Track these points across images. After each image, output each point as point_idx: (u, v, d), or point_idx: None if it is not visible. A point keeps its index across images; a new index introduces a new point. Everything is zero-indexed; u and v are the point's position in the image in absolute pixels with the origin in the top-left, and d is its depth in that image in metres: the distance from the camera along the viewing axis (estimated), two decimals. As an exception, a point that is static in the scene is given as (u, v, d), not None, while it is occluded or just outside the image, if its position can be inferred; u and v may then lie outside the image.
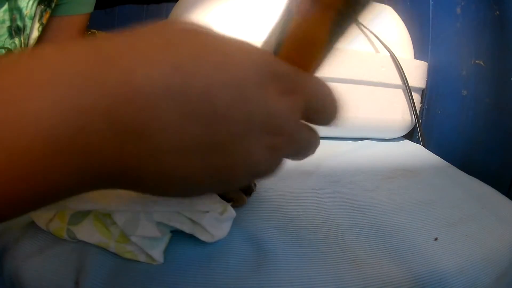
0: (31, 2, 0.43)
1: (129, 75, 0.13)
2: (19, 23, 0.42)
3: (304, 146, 0.20)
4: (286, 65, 0.18)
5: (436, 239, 0.32)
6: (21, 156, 0.12)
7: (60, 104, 0.12)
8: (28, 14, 0.43)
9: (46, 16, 0.48)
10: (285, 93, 0.17)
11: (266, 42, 0.21)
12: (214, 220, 0.27)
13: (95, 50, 0.14)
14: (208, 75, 0.14)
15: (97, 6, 0.62)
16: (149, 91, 0.13)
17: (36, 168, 0.12)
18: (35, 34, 0.46)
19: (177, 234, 0.27)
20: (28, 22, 0.44)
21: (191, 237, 0.27)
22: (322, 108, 0.20)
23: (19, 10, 0.42)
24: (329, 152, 0.56)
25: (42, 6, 0.46)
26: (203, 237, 0.27)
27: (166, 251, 0.26)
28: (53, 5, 0.48)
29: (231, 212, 0.28)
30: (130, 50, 0.14)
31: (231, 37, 0.16)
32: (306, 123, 0.20)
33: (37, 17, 0.46)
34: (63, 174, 0.13)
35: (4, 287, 0.26)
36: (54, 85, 0.12)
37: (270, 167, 0.18)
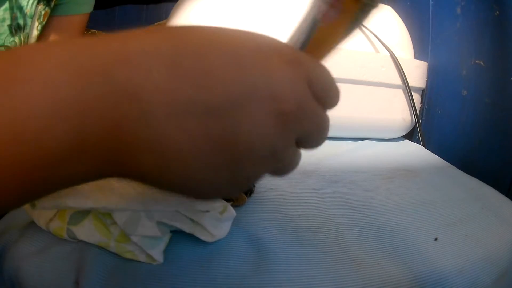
0: (31, 1, 0.43)
1: (123, 45, 0.14)
2: (19, 21, 0.43)
3: (315, 122, 0.17)
4: (286, 45, 0.17)
5: (436, 239, 0.32)
6: (27, 121, 0.12)
7: (63, 68, 0.13)
8: (28, 13, 0.44)
9: (45, 15, 0.48)
10: (289, 62, 0.16)
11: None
12: (214, 219, 0.27)
13: (93, 39, 0.15)
14: (201, 41, 0.15)
15: (97, 6, 0.62)
16: (141, 52, 0.14)
17: (40, 134, 0.12)
18: (34, 33, 0.46)
19: (177, 234, 0.27)
20: (28, 21, 0.44)
21: (191, 237, 0.27)
22: (324, 89, 0.18)
23: (20, 9, 0.42)
24: (329, 152, 0.56)
25: (42, 5, 0.46)
26: (203, 236, 0.27)
27: (166, 251, 0.26)
28: (52, 4, 0.48)
29: (231, 211, 0.28)
30: (125, 34, 0.15)
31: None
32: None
33: (37, 16, 0.46)
34: (63, 141, 0.13)
35: (4, 287, 0.26)
36: (58, 54, 0.13)
37: (282, 142, 0.16)
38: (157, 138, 0.14)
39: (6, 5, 0.40)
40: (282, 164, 0.18)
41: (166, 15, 0.67)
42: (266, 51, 0.16)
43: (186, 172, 0.15)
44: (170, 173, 0.15)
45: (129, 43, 0.14)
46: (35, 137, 0.12)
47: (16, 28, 0.43)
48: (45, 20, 0.49)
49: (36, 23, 0.47)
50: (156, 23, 0.95)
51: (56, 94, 0.13)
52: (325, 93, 0.18)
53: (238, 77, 0.15)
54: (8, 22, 0.41)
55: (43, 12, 0.47)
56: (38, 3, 0.45)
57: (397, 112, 0.65)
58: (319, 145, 0.20)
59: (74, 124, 0.13)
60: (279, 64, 0.16)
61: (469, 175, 0.51)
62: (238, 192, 0.21)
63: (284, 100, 0.15)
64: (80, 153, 0.14)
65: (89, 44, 0.14)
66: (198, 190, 0.17)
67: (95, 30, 0.78)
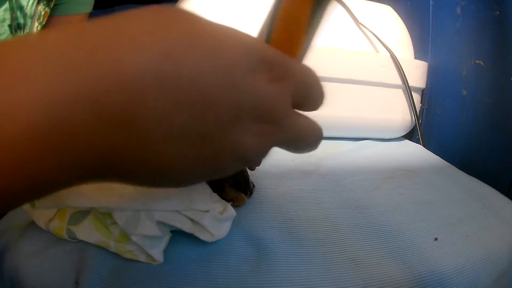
0: (31, 1, 0.43)
1: (116, 63, 0.13)
2: (19, 21, 0.43)
3: (297, 134, 0.19)
4: (276, 51, 0.17)
5: (436, 239, 0.32)
6: (6, 150, 0.11)
7: (43, 95, 0.12)
8: (28, 13, 0.44)
9: (45, 15, 0.48)
10: (274, 79, 0.17)
11: (260, 32, 0.21)
12: (214, 219, 0.27)
13: (80, 36, 0.13)
14: (198, 63, 0.14)
15: (97, 6, 0.62)
16: (137, 79, 0.13)
17: (22, 161, 0.12)
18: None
19: (177, 234, 0.27)
20: (28, 21, 0.44)
21: (191, 237, 0.27)
22: (310, 94, 0.19)
23: (20, 9, 0.42)
24: (329, 152, 0.56)
25: (42, 6, 0.46)
26: (203, 236, 0.27)
27: (166, 251, 0.26)
28: (52, 4, 0.48)
29: (231, 211, 0.28)
30: (117, 35, 0.13)
31: (221, 24, 0.16)
32: (302, 113, 0.20)
33: (37, 16, 0.46)
34: (50, 166, 0.13)
35: (4, 287, 0.26)
36: (37, 75, 0.12)
37: (258, 154, 0.18)
38: (151, 158, 0.14)
39: (6, 5, 0.40)
40: (254, 164, 0.20)
41: (166, 15, 0.67)
42: (254, 67, 0.16)
43: (174, 180, 0.17)
44: (160, 182, 0.16)
45: (124, 61, 0.13)
46: (26, 162, 0.12)
47: (16, 28, 0.43)
48: (45, 20, 0.49)
49: (36, 23, 0.47)
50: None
51: (41, 127, 0.12)
52: (307, 100, 0.19)
53: (230, 103, 0.15)
54: (8, 22, 0.41)
55: (43, 12, 0.47)
56: (38, 3, 0.45)
57: (397, 112, 0.65)
58: (306, 148, 0.21)
59: (62, 154, 0.13)
60: (265, 82, 0.16)
61: (469, 175, 0.51)
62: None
63: (268, 120, 0.17)
64: (68, 172, 0.13)
65: (77, 62, 0.12)
66: (181, 184, 0.19)
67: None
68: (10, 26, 0.42)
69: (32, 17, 0.45)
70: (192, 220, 0.26)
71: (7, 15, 0.41)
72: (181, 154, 0.15)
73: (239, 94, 0.15)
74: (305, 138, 0.20)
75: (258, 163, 0.21)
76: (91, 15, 0.60)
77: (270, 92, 0.16)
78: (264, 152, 0.18)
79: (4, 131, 0.11)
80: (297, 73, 0.18)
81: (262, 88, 0.16)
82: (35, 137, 0.12)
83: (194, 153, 0.15)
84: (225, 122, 0.15)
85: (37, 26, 0.47)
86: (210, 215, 0.27)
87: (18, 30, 0.43)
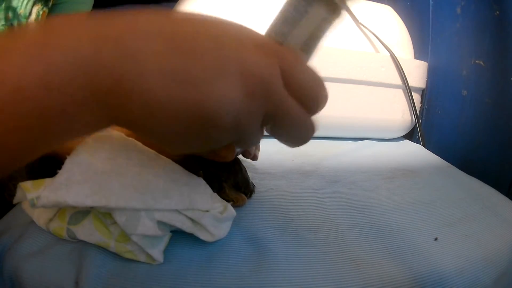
0: (25, 2, 0.43)
1: (136, 18, 0.18)
2: (13, 22, 0.43)
3: (286, 113, 0.20)
4: (268, 39, 0.20)
5: (436, 239, 0.32)
6: (57, 72, 0.16)
7: (84, 36, 0.17)
8: (22, 13, 0.43)
9: (43, 15, 0.48)
10: (263, 53, 0.19)
11: (269, 33, 0.22)
12: (214, 219, 0.27)
13: (112, 13, 0.18)
14: (193, 28, 0.18)
15: (97, 6, 0.62)
16: (147, 26, 0.18)
17: (65, 84, 0.16)
18: None
19: (177, 234, 0.27)
20: (23, 21, 0.44)
21: (191, 237, 0.27)
22: (302, 86, 0.20)
23: (13, 10, 0.42)
24: (329, 152, 0.56)
25: (39, 6, 0.46)
26: (203, 236, 0.27)
27: (166, 251, 0.26)
28: (50, 4, 0.48)
29: (231, 211, 0.28)
30: (138, 13, 0.18)
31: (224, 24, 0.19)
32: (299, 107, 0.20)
33: (34, 16, 0.46)
34: (81, 89, 0.17)
35: (4, 287, 0.26)
36: (81, 26, 0.17)
37: (245, 116, 0.19)
38: (145, 92, 0.17)
39: (1, 5, 0.40)
40: (244, 136, 0.20)
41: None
42: (244, 39, 0.19)
43: (164, 122, 0.18)
44: (152, 121, 0.18)
45: (140, 19, 0.18)
46: (62, 85, 0.16)
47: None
48: (44, 19, 0.49)
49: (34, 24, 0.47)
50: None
51: (78, 54, 0.17)
52: (302, 92, 0.20)
53: (216, 57, 0.18)
54: (2, 22, 0.41)
55: (41, 12, 0.47)
56: (35, 3, 0.45)
57: (397, 112, 0.66)
58: (296, 137, 0.21)
59: (90, 77, 0.17)
60: (254, 49, 0.19)
61: (469, 175, 0.51)
62: (207, 149, 0.23)
63: (252, 75, 0.18)
64: (91, 102, 0.17)
65: (108, 17, 0.18)
66: (173, 141, 0.20)
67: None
68: (3, 26, 0.42)
69: (27, 17, 0.45)
70: (192, 220, 0.26)
71: (1, 15, 0.41)
72: (171, 89, 0.17)
73: (225, 51, 0.18)
74: (295, 124, 0.20)
75: (249, 141, 0.21)
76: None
77: (258, 60, 0.18)
78: (251, 113, 0.19)
79: (63, 58, 0.16)
80: (288, 58, 0.19)
81: (249, 51, 0.19)
82: (82, 64, 0.17)
83: (182, 91, 0.18)
84: (210, 74, 0.18)
85: None
86: (210, 215, 0.27)
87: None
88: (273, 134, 0.21)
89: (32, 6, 0.45)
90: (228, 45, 0.18)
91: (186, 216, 0.26)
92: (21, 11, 0.43)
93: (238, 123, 0.19)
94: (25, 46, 0.17)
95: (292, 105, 0.20)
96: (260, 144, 0.36)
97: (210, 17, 0.19)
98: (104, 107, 0.18)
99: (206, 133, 0.19)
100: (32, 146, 0.18)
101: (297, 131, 0.21)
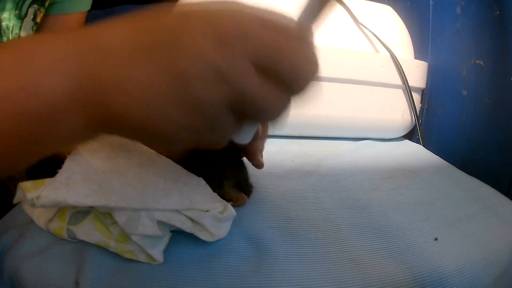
0: (21, 2, 0.43)
1: (112, 29, 0.19)
2: (7, 22, 0.42)
3: (250, 98, 0.18)
4: (235, 20, 0.18)
5: (436, 239, 0.32)
6: (44, 79, 0.17)
7: (65, 47, 0.18)
8: (17, 14, 0.43)
9: (40, 15, 0.47)
10: (224, 43, 0.18)
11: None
12: (214, 219, 0.27)
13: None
14: (160, 35, 0.18)
15: (97, 6, 0.62)
16: (120, 43, 0.18)
17: (52, 89, 0.17)
18: (28, 33, 0.45)
19: (177, 234, 0.27)
20: (17, 22, 0.44)
21: (191, 237, 0.27)
22: (278, 59, 0.18)
23: (8, 10, 0.42)
24: (329, 152, 0.56)
25: (36, 6, 0.45)
26: (203, 236, 0.27)
27: (166, 251, 0.26)
28: (46, 4, 0.48)
29: (231, 211, 0.28)
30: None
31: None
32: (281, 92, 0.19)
33: (31, 17, 0.45)
34: (67, 92, 0.18)
35: (4, 287, 0.26)
36: (61, 41, 0.19)
37: (226, 65, 0.18)
38: (123, 79, 0.18)
39: None
40: (237, 90, 0.18)
41: (166, 15, 0.67)
42: (207, 33, 0.18)
43: (148, 109, 0.18)
44: (136, 111, 0.18)
45: (119, 23, 0.19)
46: (49, 90, 0.17)
47: (4, 30, 0.43)
48: (40, 19, 0.48)
49: (31, 24, 0.46)
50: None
51: (61, 61, 0.18)
52: (276, 66, 0.18)
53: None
54: None
55: (38, 12, 0.47)
56: (31, 3, 0.45)
57: (397, 112, 0.66)
58: (265, 117, 0.20)
59: (73, 80, 0.18)
60: (214, 45, 0.18)
61: (469, 175, 0.51)
62: (210, 137, 0.20)
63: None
64: (75, 105, 0.18)
65: (89, 28, 0.19)
66: (163, 133, 0.19)
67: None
68: None
69: (22, 18, 0.44)
70: (192, 220, 0.26)
71: None
72: (144, 73, 0.18)
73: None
74: (261, 107, 0.19)
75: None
76: (91, 15, 0.59)
77: (215, 55, 0.17)
78: (229, 60, 0.18)
79: (48, 67, 0.18)
80: (258, 38, 0.18)
81: (207, 50, 0.18)
82: (64, 68, 0.18)
83: (153, 67, 0.18)
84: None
85: (33, 27, 0.47)
86: (210, 215, 0.27)
87: (6, 32, 0.43)
88: (249, 121, 0.21)
89: (28, 7, 0.45)
90: (187, 41, 0.18)
91: (186, 216, 0.26)
92: (16, 12, 0.43)
93: (219, 72, 0.18)
94: (10, 56, 0.18)
95: (255, 88, 0.18)
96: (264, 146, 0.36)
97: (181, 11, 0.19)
98: (89, 110, 0.18)
99: (194, 100, 0.18)
100: (19, 153, 0.19)
101: (265, 114, 0.20)
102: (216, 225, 0.27)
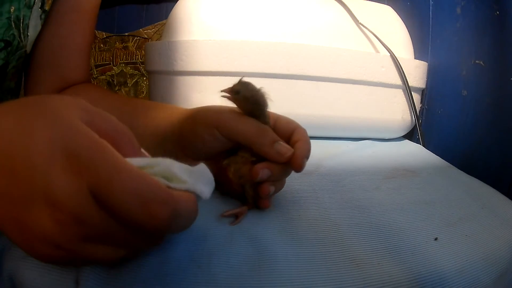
0: None
1: None
2: (17, 13, 0.41)
3: (98, 228, 0.19)
4: (88, 142, 0.19)
5: (436, 239, 0.32)
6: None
7: None
8: (27, 3, 0.42)
9: (48, 2, 0.46)
10: (72, 170, 0.18)
11: None
12: (184, 168, 0.24)
13: None
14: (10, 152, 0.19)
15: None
16: None
17: None
18: (36, 22, 0.44)
19: (177, 234, 0.27)
20: (27, 12, 0.43)
21: (191, 237, 0.27)
22: (111, 200, 0.18)
23: (17, 0, 0.41)
24: (329, 152, 0.56)
25: None
26: (179, 186, 0.23)
27: (166, 251, 0.26)
28: None
29: (202, 166, 0.25)
30: None
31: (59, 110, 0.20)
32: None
33: (39, 5, 0.44)
34: None
35: (4, 287, 0.26)
36: None
37: (67, 240, 0.18)
38: None
39: None
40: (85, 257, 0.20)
41: (166, 15, 0.67)
42: (56, 156, 0.18)
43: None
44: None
45: None
46: None
47: (15, 21, 0.42)
48: (49, 6, 0.47)
49: (39, 12, 0.45)
50: (156, 23, 0.95)
51: None
52: (114, 209, 0.18)
53: (25, 178, 0.18)
54: (6, 15, 0.40)
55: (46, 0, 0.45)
56: None
57: (397, 112, 0.66)
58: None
59: None
60: (62, 166, 0.18)
61: (469, 175, 0.51)
62: None
63: (59, 208, 0.18)
64: None
65: None
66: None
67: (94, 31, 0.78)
68: (8, 19, 0.41)
69: (31, 7, 0.43)
70: (165, 177, 0.23)
71: (5, 8, 0.40)
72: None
73: (33, 175, 0.18)
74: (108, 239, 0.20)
75: (90, 256, 0.20)
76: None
77: (63, 186, 0.18)
78: (68, 238, 0.18)
79: None
80: (104, 171, 0.18)
81: (56, 176, 0.18)
82: None
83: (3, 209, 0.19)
84: (23, 196, 0.18)
85: (41, 15, 0.45)
86: (180, 164, 0.23)
87: (17, 23, 0.42)
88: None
89: None
90: (40, 167, 0.18)
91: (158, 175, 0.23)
92: (26, 1, 0.42)
93: (59, 247, 0.19)
94: None
95: (110, 223, 0.19)
96: None
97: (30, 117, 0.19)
98: None
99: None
100: None
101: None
102: (188, 173, 0.24)
